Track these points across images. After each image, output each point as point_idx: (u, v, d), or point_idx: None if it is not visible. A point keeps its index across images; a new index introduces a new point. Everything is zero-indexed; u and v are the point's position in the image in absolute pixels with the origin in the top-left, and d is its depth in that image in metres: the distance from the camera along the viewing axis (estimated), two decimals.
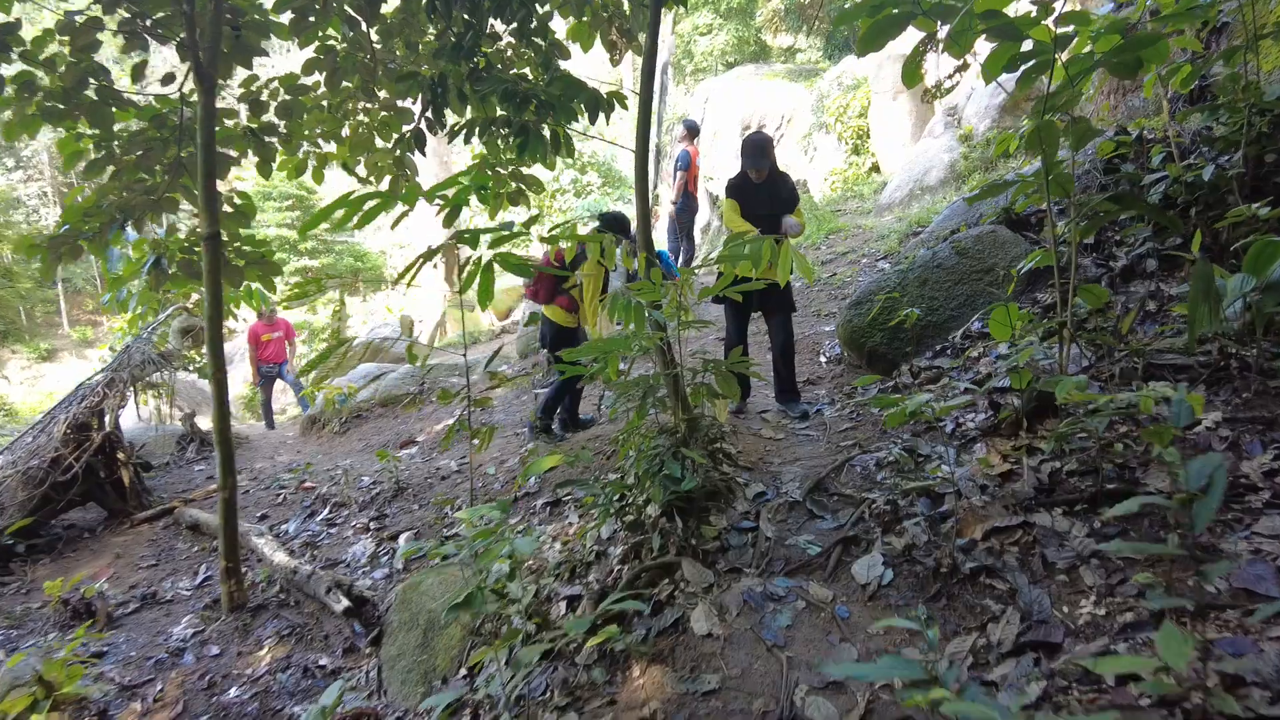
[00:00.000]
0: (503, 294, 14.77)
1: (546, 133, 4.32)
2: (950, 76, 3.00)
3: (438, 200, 2.67)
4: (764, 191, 4.17)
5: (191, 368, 8.92)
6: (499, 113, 4.44)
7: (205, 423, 10.16)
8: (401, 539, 4.23)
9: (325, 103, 5.60)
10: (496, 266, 2.79)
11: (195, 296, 6.65)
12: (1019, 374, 2.94)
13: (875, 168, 11.70)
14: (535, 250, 16.08)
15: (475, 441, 3.16)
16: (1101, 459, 2.59)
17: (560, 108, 4.16)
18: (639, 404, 3.01)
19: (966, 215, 4.89)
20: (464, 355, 2.89)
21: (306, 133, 5.70)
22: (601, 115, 4.35)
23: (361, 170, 5.74)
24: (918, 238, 5.29)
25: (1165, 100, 4.17)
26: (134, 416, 7.28)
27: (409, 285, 2.45)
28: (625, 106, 4.10)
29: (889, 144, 11.26)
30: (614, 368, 3.29)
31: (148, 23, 4.10)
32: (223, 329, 3.86)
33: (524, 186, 5.66)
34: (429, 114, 4.82)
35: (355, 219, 2.54)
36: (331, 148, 5.91)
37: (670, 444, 2.97)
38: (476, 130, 4.39)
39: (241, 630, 3.77)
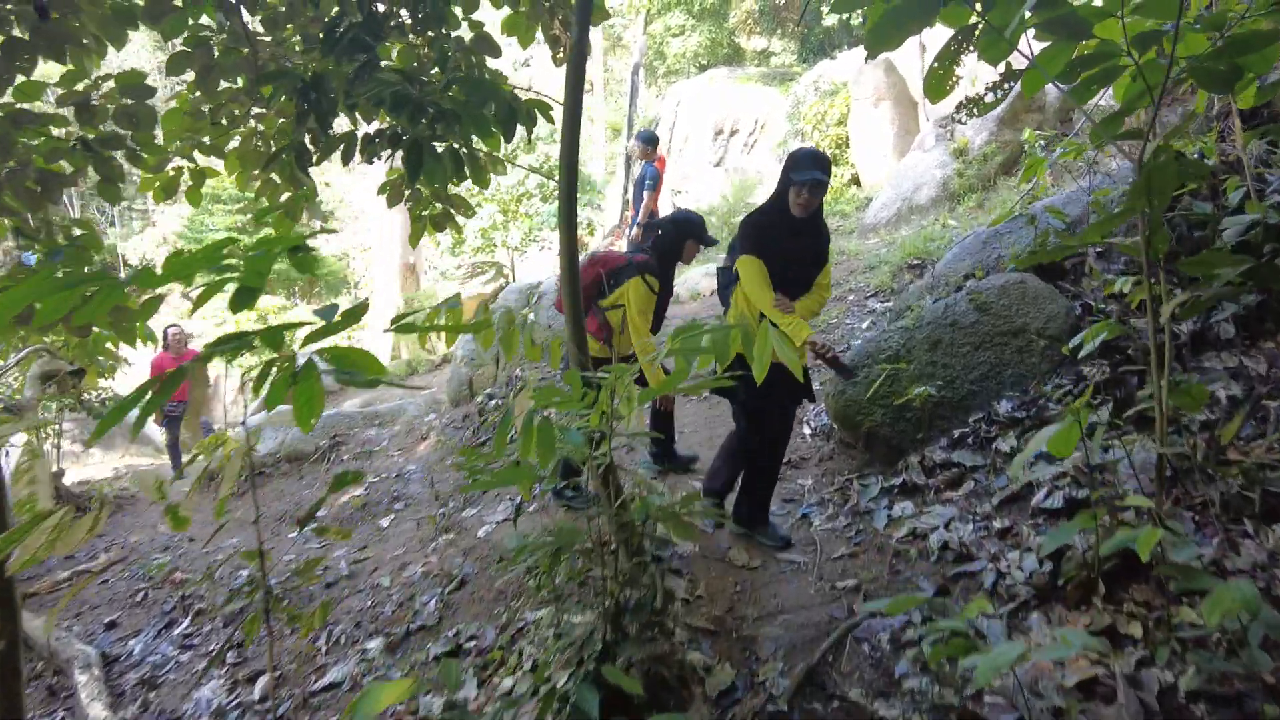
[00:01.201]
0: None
1: (450, 150, 3.35)
2: (997, 87, 2.10)
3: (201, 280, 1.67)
4: (802, 235, 2.72)
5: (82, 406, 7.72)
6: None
7: (80, 474, 8.91)
8: (258, 685, 3.22)
9: (205, 108, 4.55)
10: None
11: (52, 338, 5.53)
12: (1089, 514, 2.03)
13: (855, 180, 10.88)
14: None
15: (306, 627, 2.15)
16: (1248, 678, 1.70)
17: (468, 118, 3.17)
18: (552, 562, 2.05)
19: (981, 256, 3.99)
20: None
21: (176, 145, 4.65)
22: (552, 125, 3.39)
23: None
24: (921, 279, 4.40)
25: (1236, 120, 3.32)
26: None
27: (133, 436, 1.49)
28: (551, 120, 3.13)
29: (870, 155, 10.45)
30: (526, 490, 2.36)
31: None
32: None
33: (451, 208, 4.70)
34: (311, 124, 3.82)
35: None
36: (216, 162, 4.89)
37: (595, 620, 2.02)
38: (358, 146, 3.39)
39: None
